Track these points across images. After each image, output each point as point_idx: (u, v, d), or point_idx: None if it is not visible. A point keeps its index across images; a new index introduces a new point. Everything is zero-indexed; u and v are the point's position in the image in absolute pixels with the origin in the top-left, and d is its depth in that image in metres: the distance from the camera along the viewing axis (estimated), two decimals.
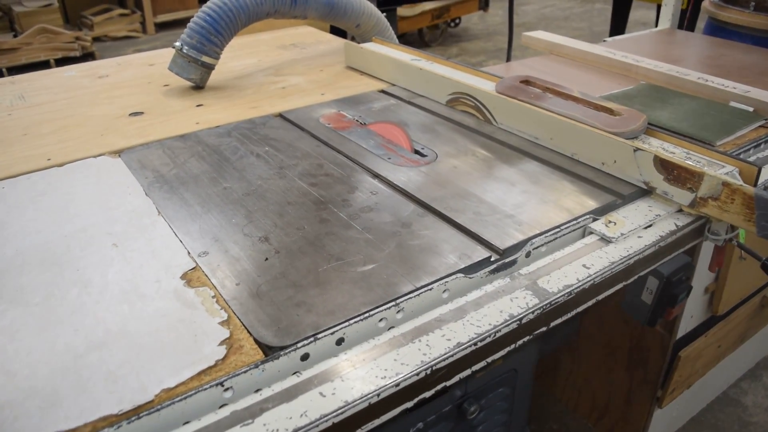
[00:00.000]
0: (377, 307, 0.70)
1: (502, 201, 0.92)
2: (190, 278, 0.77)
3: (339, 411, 0.59)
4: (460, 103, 1.28)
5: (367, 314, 0.69)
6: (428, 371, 0.64)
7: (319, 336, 0.66)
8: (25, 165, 1.10)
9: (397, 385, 0.62)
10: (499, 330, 0.69)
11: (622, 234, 0.86)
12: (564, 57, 1.72)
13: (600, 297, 0.81)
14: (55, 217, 0.91)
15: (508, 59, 1.95)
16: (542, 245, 0.84)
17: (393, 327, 0.70)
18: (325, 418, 0.58)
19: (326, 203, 0.93)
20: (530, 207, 0.91)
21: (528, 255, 0.82)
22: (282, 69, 1.63)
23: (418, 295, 0.72)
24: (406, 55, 1.50)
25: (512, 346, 0.73)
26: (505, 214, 0.89)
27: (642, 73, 1.51)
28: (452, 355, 0.66)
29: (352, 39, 1.88)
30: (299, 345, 0.65)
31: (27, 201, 0.96)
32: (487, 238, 0.82)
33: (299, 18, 1.62)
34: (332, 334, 0.67)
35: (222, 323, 0.68)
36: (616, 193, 0.95)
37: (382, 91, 1.44)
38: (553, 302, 0.74)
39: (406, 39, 5.89)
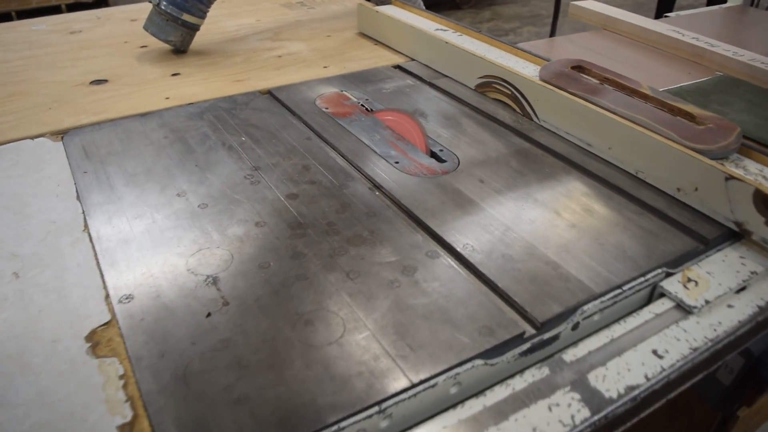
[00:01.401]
0: (353, 415, 0.47)
1: (544, 239, 0.68)
2: (99, 340, 0.55)
3: None
4: (493, 89, 1.03)
5: (336, 426, 0.47)
6: None
7: None
8: None
9: None
10: None
11: (706, 301, 0.62)
12: (619, 34, 1.44)
13: (670, 396, 0.58)
14: None
15: (552, 34, 1.67)
16: (595, 313, 0.60)
17: None
18: None
19: (306, 227, 0.70)
20: (580, 250, 0.67)
21: (575, 327, 0.59)
22: (282, 32, 1.38)
23: (415, 395, 0.50)
24: (430, 24, 1.24)
25: None
26: (546, 260, 0.65)
27: (717, 61, 1.23)
28: None
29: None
30: None
31: None
32: (521, 301, 0.59)
33: None
34: None
35: (122, 427, 0.47)
36: (697, 234, 0.70)
37: (398, 67, 1.18)
38: (609, 415, 0.51)
39: None
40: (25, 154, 0.85)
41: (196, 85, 1.08)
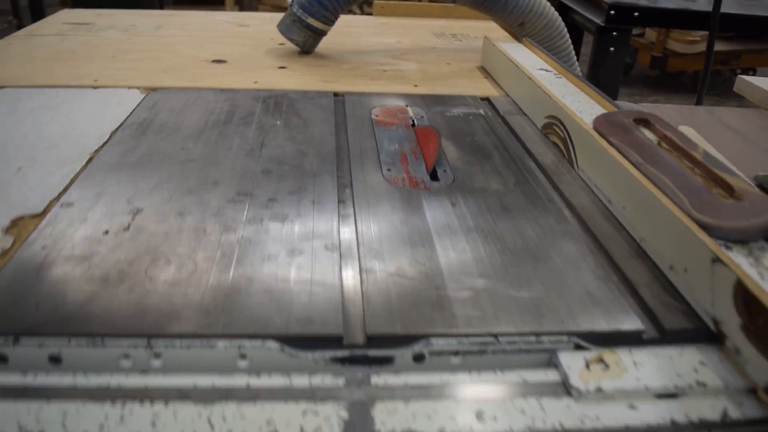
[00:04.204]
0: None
1: (459, 268, 0.60)
2: (17, 225, 0.64)
3: None
4: (552, 131, 0.94)
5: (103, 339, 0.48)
6: None
7: None
8: (72, 80, 1.09)
9: None
10: None
11: (599, 389, 0.49)
12: None
13: None
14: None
15: (699, 102, 1.45)
16: (452, 353, 0.52)
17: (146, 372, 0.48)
18: None
19: (248, 196, 0.72)
20: (487, 291, 0.57)
21: (419, 359, 0.51)
22: (408, 54, 1.42)
23: (188, 347, 0.48)
24: (537, 62, 1.18)
25: None
26: (438, 284, 0.57)
27: None
28: None
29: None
30: None
31: (12, 111, 0.94)
32: (368, 311, 0.53)
33: (445, 0, 1.40)
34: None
35: None
36: (657, 322, 0.56)
37: (485, 99, 1.14)
38: None
39: (679, 79, 5.11)
40: (114, 99, 1.02)
41: (288, 78, 1.18)
